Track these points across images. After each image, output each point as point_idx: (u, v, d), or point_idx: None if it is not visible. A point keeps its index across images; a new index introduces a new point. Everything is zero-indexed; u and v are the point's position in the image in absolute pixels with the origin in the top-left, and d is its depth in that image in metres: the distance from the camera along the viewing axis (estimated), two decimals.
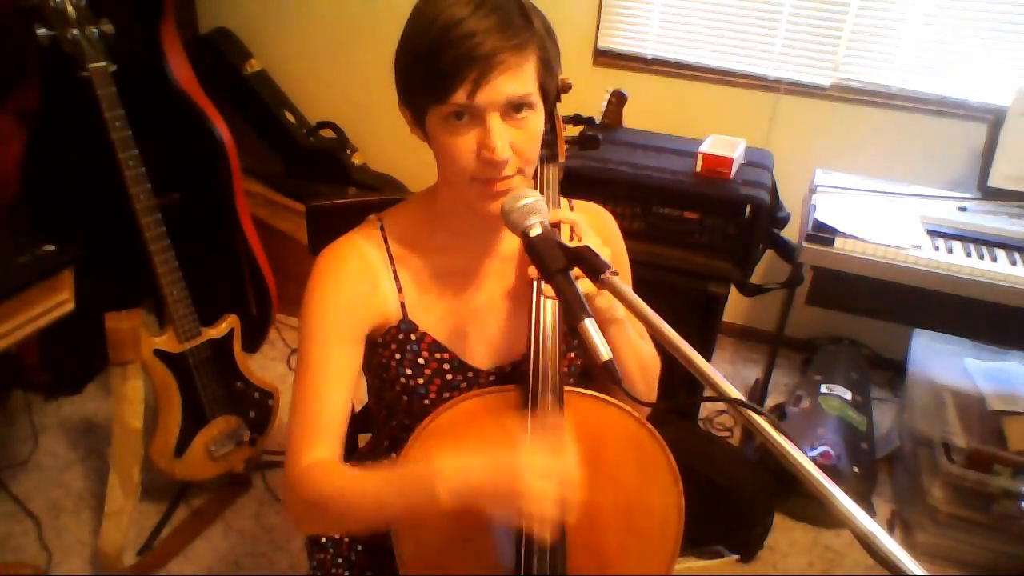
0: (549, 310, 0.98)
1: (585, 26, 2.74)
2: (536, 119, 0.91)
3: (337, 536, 1.21)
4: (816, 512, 2.17)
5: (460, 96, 0.85)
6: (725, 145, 2.10)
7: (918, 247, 1.96)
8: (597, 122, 2.02)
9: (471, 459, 0.83)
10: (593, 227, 1.00)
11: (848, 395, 2.38)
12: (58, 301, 1.78)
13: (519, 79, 0.87)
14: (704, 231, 2.05)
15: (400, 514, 0.90)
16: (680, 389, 2.11)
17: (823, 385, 2.42)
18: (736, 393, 0.69)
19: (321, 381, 0.97)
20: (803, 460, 0.63)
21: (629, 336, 1.03)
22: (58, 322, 1.79)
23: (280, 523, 2.10)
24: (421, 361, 1.04)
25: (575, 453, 0.82)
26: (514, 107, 0.88)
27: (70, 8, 1.59)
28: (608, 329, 1.00)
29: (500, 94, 0.86)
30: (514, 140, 0.89)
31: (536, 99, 0.90)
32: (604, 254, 0.92)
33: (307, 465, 0.94)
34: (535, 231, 0.86)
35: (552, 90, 0.95)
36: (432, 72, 0.86)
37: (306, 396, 0.97)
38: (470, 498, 0.81)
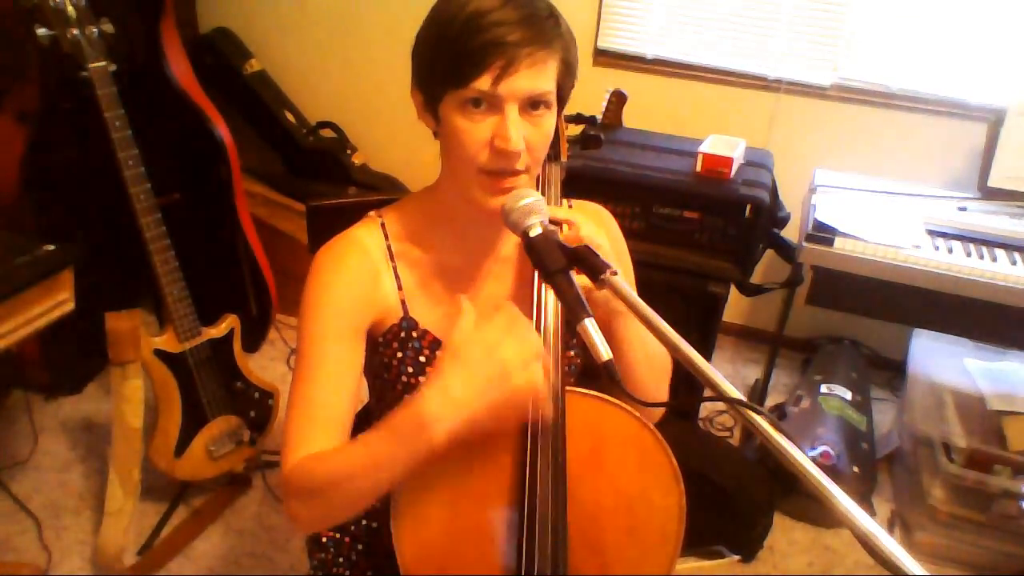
0: (550, 309, 0.98)
1: (585, 26, 2.75)
2: (550, 119, 0.92)
3: (338, 535, 1.21)
4: (816, 512, 2.17)
5: (483, 83, 0.85)
6: (725, 145, 2.10)
7: (918, 247, 1.96)
8: (598, 121, 2.03)
9: (455, 387, 0.81)
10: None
11: (848, 395, 2.38)
12: (58, 301, 1.78)
13: (543, 75, 0.87)
14: (704, 231, 2.05)
15: (397, 468, 0.85)
16: (680, 389, 2.11)
17: (823, 385, 2.42)
18: (736, 393, 0.69)
19: (317, 377, 0.96)
20: (803, 460, 0.63)
21: (637, 328, 1.02)
22: (58, 322, 1.79)
23: (280, 523, 2.10)
24: (422, 359, 1.04)
25: (527, 322, 0.85)
26: (532, 103, 0.88)
27: (70, 8, 1.59)
28: (615, 321, 1.00)
29: (522, 88, 0.86)
30: (527, 136, 0.89)
31: (553, 99, 0.91)
32: (606, 250, 0.92)
33: (300, 459, 0.92)
34: (535, 231, 0.85)
35: (568, 95, 0.96)
36: (457, 55, 0.86)
37: (301, 392, 0.96)
38: (466, 431, 0.82)
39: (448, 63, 0.87)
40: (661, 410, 1.10)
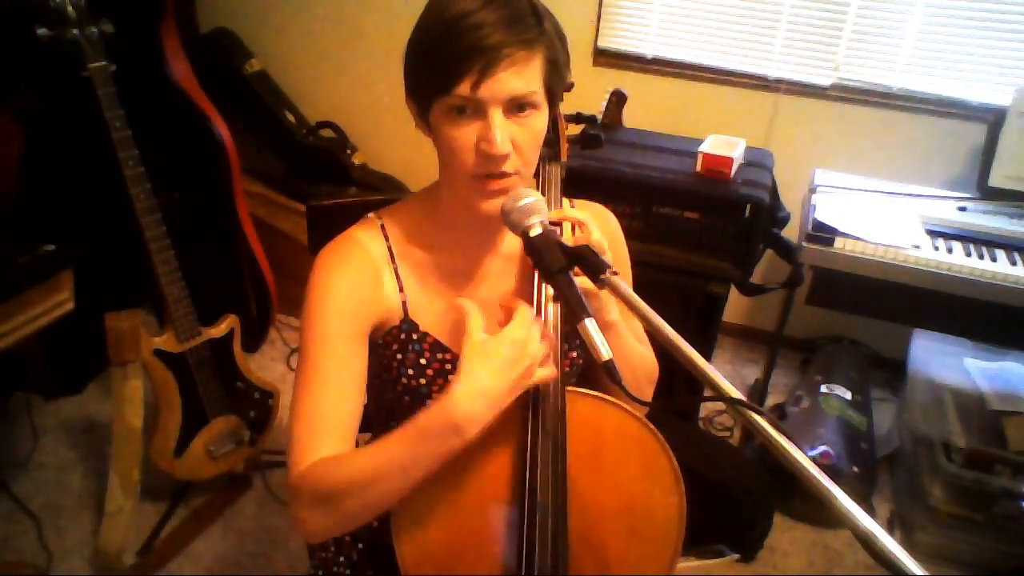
0: (551, 310, 0.98)
1: (585, 26, 2.75)
2: (539, 119, 0.91)
3: (340, 534, 1.21)
4: (816, 512, 2.17)
5: (464, 88, 0.85)
6: (725, 145, 2.10)
7: (918, 247, 1.96)
8: (598, 121, 2.03)
9: (486, 382, 0.85)
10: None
11: (848, 395, 2.38)
12: (58, 301, 1.78)
13: (524, 76, 0.87)
14: (704, 231, 2.05)
15: (423, 469, 0.87)
16: (680, 389, 2.11)
17: (823, 385, 2.42)
18: (736, 393, 0.69)
19: (323, 381, 0.95)
20: (803, 460, 0.63)
21: (621, 340, 1.03)
22: (58, 322, 1.79)
23: (280, 523, 2.10)
24: (423, 361, 1.03)
25: (539, 318, 0.94)
26: (517, 105, 0.88)
27: (70, 8, 1.59)
28: (604, 333, 0.99)
29: (504, 89, 0.86)
30: (515, 137, 0.89)
31: (541, 99, 0.90)
32: (608, 254, 0.92)
33: (310, 464, 0.92)
34: (535, 231, 0.86)
35: (559, 93, 0.95)
36: (438, 62, 0.86)
37: (307, 397, 0.95)
38: (496, 415, 0.86)
39: (431, 72, 0.87)
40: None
